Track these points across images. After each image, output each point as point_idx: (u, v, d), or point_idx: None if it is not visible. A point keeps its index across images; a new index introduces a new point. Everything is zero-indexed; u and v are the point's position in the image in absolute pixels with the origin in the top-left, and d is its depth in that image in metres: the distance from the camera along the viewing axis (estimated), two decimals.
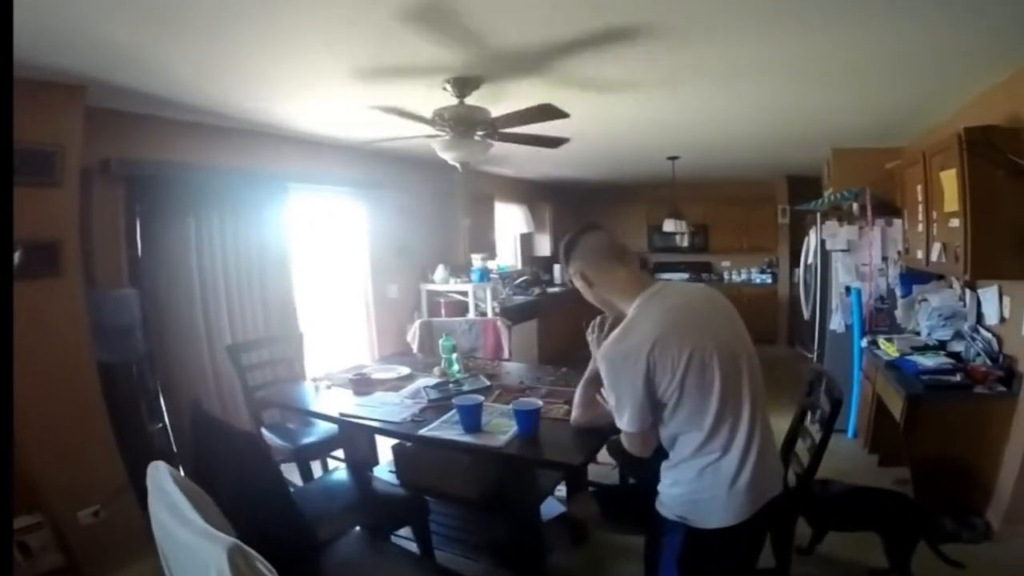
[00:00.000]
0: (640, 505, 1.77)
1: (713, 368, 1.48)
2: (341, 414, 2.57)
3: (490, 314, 5.50)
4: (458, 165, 3.16)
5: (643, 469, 1.87)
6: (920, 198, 3.51)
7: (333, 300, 4.71)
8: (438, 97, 2.88)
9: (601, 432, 2.20)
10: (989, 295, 3.17)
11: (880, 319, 4.15)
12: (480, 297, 5.57)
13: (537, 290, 6.85)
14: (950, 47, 2.53)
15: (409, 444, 2.83)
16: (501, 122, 2.92)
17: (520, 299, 6.32)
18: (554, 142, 3.21)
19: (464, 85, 2.83)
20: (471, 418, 2.31)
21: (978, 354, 3.12)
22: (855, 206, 4.31)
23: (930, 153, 3.32)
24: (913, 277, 3.97)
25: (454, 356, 3.21)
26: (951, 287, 3.64)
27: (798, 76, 2.96)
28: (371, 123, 3.48)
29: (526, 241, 7.37)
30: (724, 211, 7.70)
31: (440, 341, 3.36)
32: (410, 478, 2.76)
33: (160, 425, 3.23)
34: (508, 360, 4.03)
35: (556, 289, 7.14)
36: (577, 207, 8.09)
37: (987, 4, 2.07)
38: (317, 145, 4.34)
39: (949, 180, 3.01)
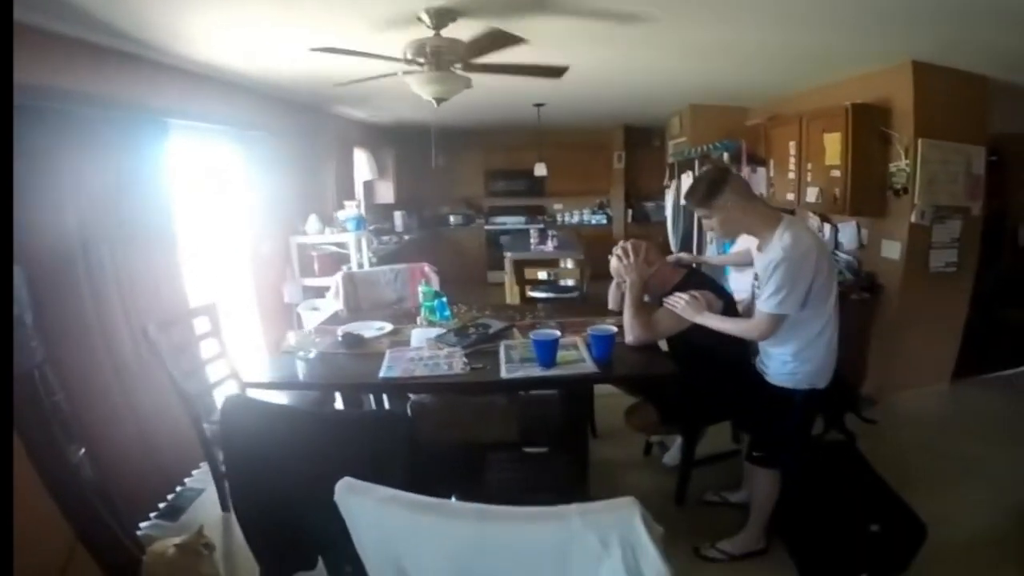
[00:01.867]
0: (696, 402, 2.70)
1: (834, 272, 2.26)
2: (383, 379, 2.44)
3: (367, 264, 5.41)
4: (435, 101, 3.16)
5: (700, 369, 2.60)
6: (793, 152, 4.57)
7: (213, 260, 4.19)
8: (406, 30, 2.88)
9: (654, 346, 2.65)
10: (848, 228, 4.32)
11: None
12: (347, 246, 5.40)
13: (395, 238, 6.83)
14: (805, 46, 3.47)
15: (427, 398, 2.90)
16: (467, 52, 3.00)
17: (389, 248, 6.26)
18: (554, 71, 3.26)
19: (443, 16, 2.83)
20: (550, 353, 2.46)
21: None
22: (725, 155, 5.30)
23: (808, 118, 4.36)
24: None
25: (444, 300, 3.28)
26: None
27: (679, 50, 3.62)
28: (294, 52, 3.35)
29: (368, 188, 7.19)
30: (562, 156, 8.28)
31: (420, 289, 3.37)
32: (441, 433, 2.76)
33: (83, 450, 2.51)
34: None
35: (409, 236, 7.20)
36: (419, 152, 8.03)
37: (851, 20, 2.95)
38: (200, 78, 3.75)
39: (832, 141, 4.04)
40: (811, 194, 4.38)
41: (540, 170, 6.96)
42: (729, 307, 2.69)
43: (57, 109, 2.60)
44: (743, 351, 2.68)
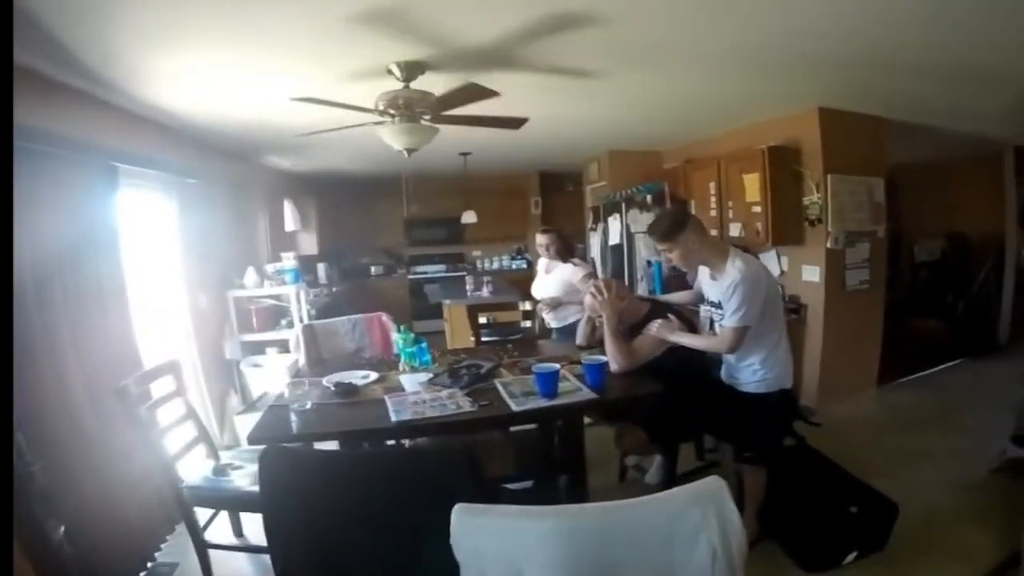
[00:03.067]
0: (678, 418, 2.94)
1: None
2: (398, 423, 2.42)
3: (305, 318, 5.26)
4: (405, 152, 3.27)
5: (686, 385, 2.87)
6: (713, 192, 5.04)
7: (156, 316, 3.94)
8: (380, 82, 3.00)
9: (637, 371, 2.86)
10: (769, 256, 4.79)
11: (675, 283, 5.61)
12: (286, 299, 5.25)
13: (324, 290, 6.67)
14: (729, 94, 3.93)
15: (424, 441, 2.90)
16: (439, 105, 3.17)
17: (322, 300, 6.11)
18: (514, 122, 3.46)
19: (413, 69, 2.99)
20: (552, 384, 2.60)
21: None
22: (648, 197, 5.71)
23: (726, 161, 4.87)
24: None
25: (424, 346, 3.30)
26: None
27: (616, 100, 3.98)
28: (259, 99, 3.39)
29: (291, 239, 7.00)
30: (481, 203, 8.28)
31: (397, 337, 3.37)
32: None
33: (63, 528, 2.34)
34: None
35: (335, 288, 7.06)
36: (340, 202, 7.97)
37: (768, 71, 3.41)
38: (144, 121, 3.64)
39: (752, 180, 4.52)
40: (734, 229, 4.84)
41: (469, 217, 7.11)
42: (692, 330, 3.04)
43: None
44: (709, 368, 3.04)
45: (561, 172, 8.78)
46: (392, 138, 3.14)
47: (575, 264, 4.17)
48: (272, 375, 4.67)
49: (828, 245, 4.37)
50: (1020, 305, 6.44)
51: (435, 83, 3.03)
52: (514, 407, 2.54)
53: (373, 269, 8.79)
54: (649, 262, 5.69)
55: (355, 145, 5.16)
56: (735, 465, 2.94)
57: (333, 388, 2.83)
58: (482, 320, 4.87)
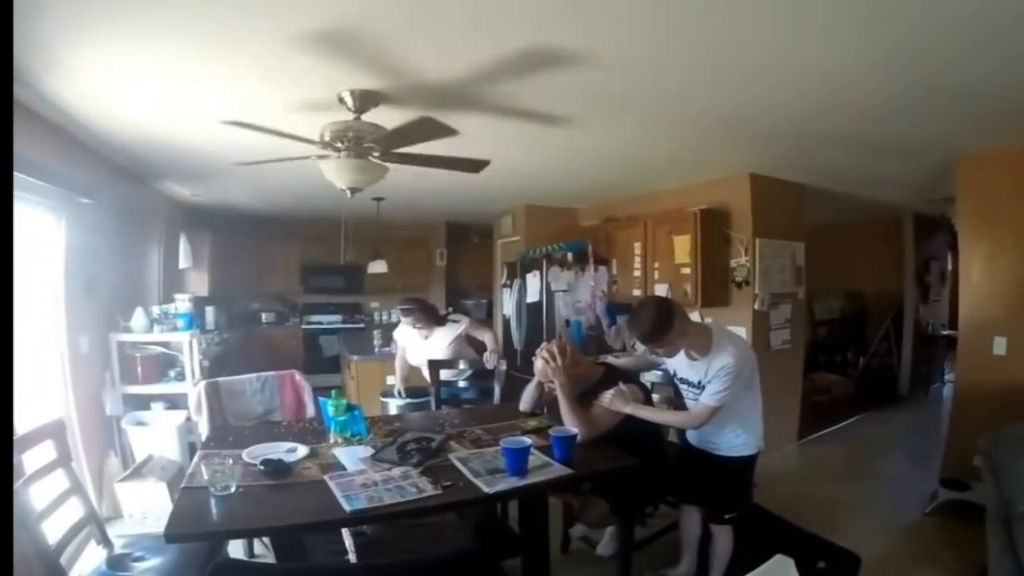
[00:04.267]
0: (651, 487, 2.90)
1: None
2: (354, 512, 2.03)
3: (197, 370, 4.62)
4: (348, 191, 2.96)
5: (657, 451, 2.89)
6: (638, 252, 5.05)
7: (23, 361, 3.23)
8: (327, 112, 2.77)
9: (601, 440, 2.70)
10: (693, 317, 4.81)
11: (592, 343, 5.55)
12: (176, 347, 4.60)
13: (216, 337, 5.95)
14: (669, 153, 4.01)
15: (367, 529, 2.51)
16: (414, 157, 2.95)
17: (213, 349, 5.42)
18: (474, 165, 3.22)
19: (367, 100, 2.75)
20: (522, 461, 2.35)
21: None
22: (570, 255, 5.64)
23: (654, 221, 4.91)
24: (616, 309, 5.54)
25: (358, 414, 2.90)
26: None
27: (540, 150, 3.92)
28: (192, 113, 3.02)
29: (182, 279, 6.24)
30: (383, 252, 8.06)
31: (328, 402, 2.92)
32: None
33: None
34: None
35: (227, 335, 6.36)
36: (233, 240, 7.23)
37: (709, 134, 3.53)
38: (43, 123, 3.09)
39: (682, 242, 4.59)
40: (660, 290, 4.88)
41: (378, 267, 6.67)
42: (648, 397, 2.95)
43: None
44: (662, 432, 2.99)
45: (468, 223, 8.58)
46: (336, 174, 2.84)
47: (454, 320, 4.18)
48: (159, 435, 4.05)
49: (755, 307, 4.49)
50: (918, 358, 7.06)
51: (389, 118, 2.77)
52: (485, 488, 2.23)
53: (264, 316, 8.02)
54: (568, 321, 5.60)
55: (272, 179, 4.72)
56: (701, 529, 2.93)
57: (260, 466, 2.37)
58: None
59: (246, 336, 7.35)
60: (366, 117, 2.75)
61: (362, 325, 8.32)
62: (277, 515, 2.08)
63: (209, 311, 6.43)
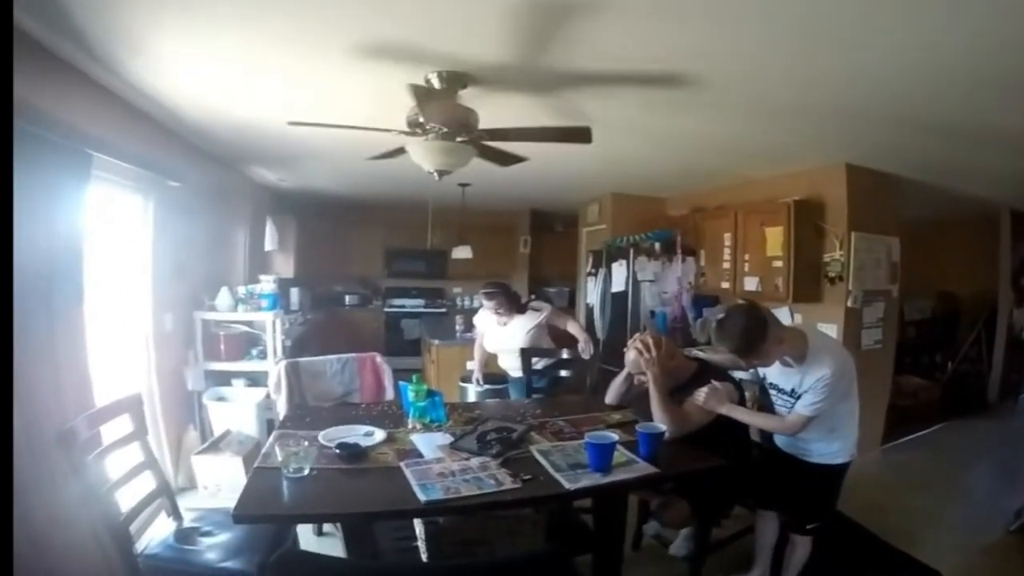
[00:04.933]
0: (736, 490, 2.69)
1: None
2: (428, 503, 1.87)
3: (279, 349, 4.60)
4: (435, 174, 2.78)
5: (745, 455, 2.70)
6: (728, 243, 4.69)
7: (110, 336, 3.25)
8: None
9: (690, 439, 2.48)
10: (782, 312, 4.43)
11: (679, 334, 5.22)
12: (260, 327, 4.58)
13: (299, 318, 5.98)
14: (760, 142, 3.67)
15: (440, 518, 2.34)
16: (505, 133, 2.73)
17: (295, 329, 5.43)
18: (579, 134, 2.83)
19: (454, 81, 2.55)
20: (608, 458, 2.16)
21: None
22: (657, 244, 5.32)
23: (744, 212, 4.55)
24: (702, 301, 5.21)
25: (438, 400, 2.75)
26: None
27: (617, 134, 3.52)
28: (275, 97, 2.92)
29: (267, 260, 6.33)
30: (468, 238, 7.90)
31: (408, 386, 2.77)
32: (467, 553, 2.26)
33: None
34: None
35: (310, 316, 6.39)
36: (318, 224, 7.29)
37: (802, 123, 3.20)
38: (134, 110, 3.06)
39: (774, 234, 4.20)
40: (750, 283, 4.52)
41: (463, 252, 6.53)
42: (742, 397, 2.69)
43: None
44: (748, 433, 2.74)
45: (552, 211, 8.32)
46: (423, 157, 2.67)
47: (535, 308, 3.93)
48: (238, 411, 4.04)
49: (848, 304, 4.07)
50: (1010, 365, 6.36)
51: (474, 99, 2.62)
52: (566, 484, 2.04)
53: (347, 299, 8.04)
54: (653, 312, 5.29)
55: (356, 164, 4.64)
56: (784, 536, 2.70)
57: (336, 450, 2.24)
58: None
59: (329, 318, 7.38)
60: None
61: (444, 310, 8.20)
62: (348, 501, 1.97)
63: (294, 292, 6.48)
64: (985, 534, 3.39)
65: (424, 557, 2.30)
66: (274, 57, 2.43)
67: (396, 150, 2.98)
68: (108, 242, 3.20)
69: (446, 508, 1.93)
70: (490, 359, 4.23)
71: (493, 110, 2.70)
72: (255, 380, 4.36)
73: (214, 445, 3.63)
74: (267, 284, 4.64)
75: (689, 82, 2.55)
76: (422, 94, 2.38)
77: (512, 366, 3.92)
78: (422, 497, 1.90)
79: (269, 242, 5.94)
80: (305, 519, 2.04)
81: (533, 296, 8.21)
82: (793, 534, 2.63)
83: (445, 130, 2.58)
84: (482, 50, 2.29)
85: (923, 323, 6.68)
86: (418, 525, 2.44)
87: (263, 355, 4.46)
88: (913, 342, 6.35)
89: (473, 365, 4.36)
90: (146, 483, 2.29)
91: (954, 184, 4.68)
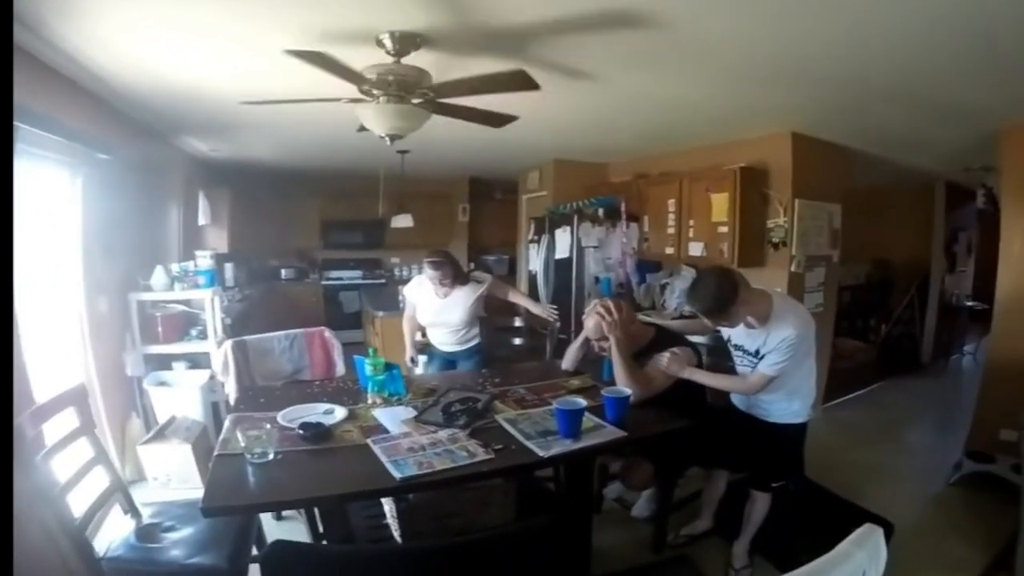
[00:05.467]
0: (698, 451, 2.81)
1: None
2: (404, 479, 1.87)
3: (219, 328, 4.44)
4: (387, 138, 2.72)
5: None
6: (672, 209, 4.80)
7: (42, 325, 3.04)
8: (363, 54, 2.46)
9: (655, 401, 2.58)
10: None
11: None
12: (198, 305, 4.40)
13: (237, 294, 5.77)
14: (716, 105, 3.65)
15: (411, 496, 2.34)
16: (449, 88, 2.67)
17: (235, 307, 5.24)
18: (498, 120, 3.00)
19: (406, 42, 2.49)
20: (577, 423, 2.22)
21: None
22: (600, 210, 5.38)
23: (690, 178, 4.67)
24: (646, 267, 5.35)
25: (397, 372, 2.73)
26: (682, 273, 5.02)
27: (559, 100, 3.49)
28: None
29: (201, 236, 6.02)
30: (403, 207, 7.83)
31: (365, 360, 2.74)
32: (440, 527, 2.26)
33: None
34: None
35: (247, 292, 6.19)
36: (252, 197, 6.97)
37: (751, 87, 3.23)
38: (58, 76, 2.83)
39: (720, 200, 4.33)
40: (695, 248, 4.65)
41: (404, 221, 6.39)
42: (700, 361, 2.80)
43: None
44: (705, 395, 2.83)
45: (491, 179, 8.26)
46: (375, 120, 2.60)
47: (478, 280, 3.68)
48: (181, 396, 3.89)
49: (792, 268, 4.26)
50: (940, 328, 6.87)
51: (427, 62, 2.55)
52: (540, 452, 2.09)
53: (284, 273, 7.79)
54: (597, 278, 5.37)
55: (294, 132, 4.47)
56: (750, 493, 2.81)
57: (299, 431, 2.19)
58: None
59: (266, 293, 7.15)
60: (406, 60, 2.49)
61: (383, 281, 8.11)
62: (321, 484, 1.92)
63: (228, 268, 6.25)
64: (928, 486, 3.67)
65: (396, 535, 2.31)
66: (218, 19, 2.29)
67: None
68: (39, 222, 3.00)
69: (422, 483, 1.93)
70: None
71: (449, 73, 2.65)
72: (196, 362, 4.21)
73: (160, 433, 3.48)
74: (204, 260, 4.44)
75: (636, 22, 2.40)
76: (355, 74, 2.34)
77: (445, 341, 3.74)
78: (396, 474, 1.90)
79: (203, 216, 5.67)
80: (279, 506, 1.99)
81: (473, 265, 8.22)
82: (755, 490, 2.76)
83: (395, 93, 2.52)
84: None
85: (858, 288, 7.07)
86: (387, 503, 2.44)
87: (203, 335, 4.29)
88: (849, 306, 6.72)
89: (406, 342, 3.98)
90: (98, 480, 2.18)
91: (896, 155, 4.92)
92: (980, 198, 5.60)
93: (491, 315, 3.76)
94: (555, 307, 3.73)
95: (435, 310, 3.65)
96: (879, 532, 1.21)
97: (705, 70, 2.95)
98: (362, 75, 2.45)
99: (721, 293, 2.38)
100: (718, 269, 2.60)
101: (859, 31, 2.36)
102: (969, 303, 7.10)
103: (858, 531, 1.21)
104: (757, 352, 2.50)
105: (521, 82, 2.39)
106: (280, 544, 1.23)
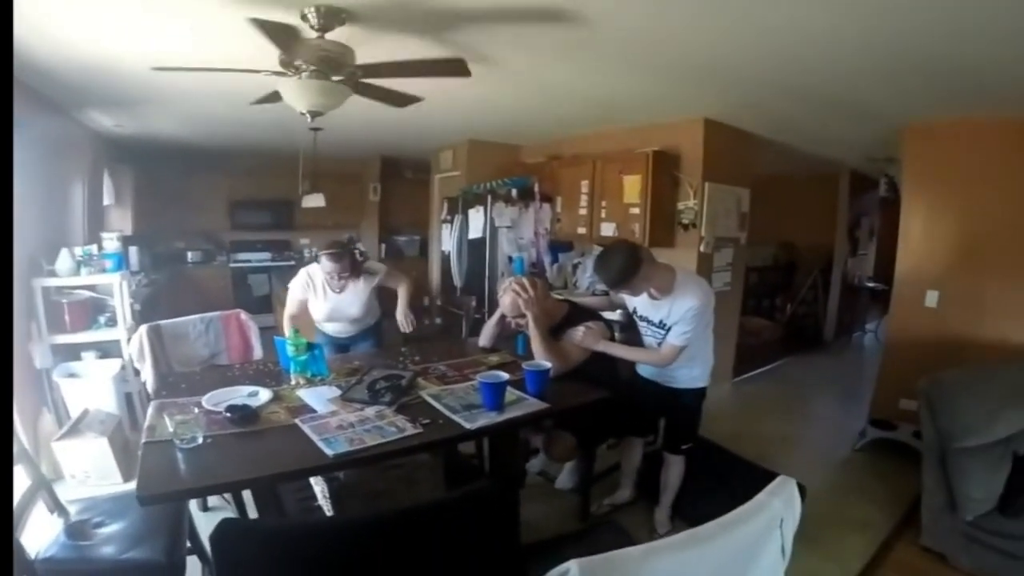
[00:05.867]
0: (614, 420, 2.98)
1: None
2: (337, 456, 1.95)
3: (128, 314, 4.29)
4: (308, 115, 2.74)
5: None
6: (585, 191, 5.02)
7: None
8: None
9: (572, 374, 2.75)
10: None
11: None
12: (105, 291, 4.22)
13: (144, 278, 5.54)
14: (624, 92, 3.85)
15: (341, 474, 2.43)
16: (381, 69, 2.73)
17: (143, 291, 5.05)
18: (404, 100, 3.07)
19: (331, 17, 2.52)
20: (500, 396, 2.34)
21: None
22: (514, 191, 5.53)
23: (603, 161, 4.89)
24: (558, 247, 5.57)
25: (319, 353, 2.77)
26: (594, 253, 5.24)
27: (494, 83, 3.60)
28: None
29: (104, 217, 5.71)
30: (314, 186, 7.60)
31: (286, 341, 2.74)
32: (374, 506, 2.36)
33: None
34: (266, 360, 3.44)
35: (153, 276, 5.98)
36: (156, 175, 6.66)
37: (663, 77, 3.45)
38: None
39: (632, 182, 4.57)
40: (607, 229, 4.89)
41: (315, 201, 6.29)
42: (612, 335, 2.99)
43: None
44: (619, 367, 3.00)
45: (403, 158, 8.23)
46: (297, 96, 2.59)
47: (371, 271, 3.59)
48: (93, 387, 3.77)
49: (701, 249, 4.56)
50: (843, 307, 7.48)
51: (351, 36, 2.61)
52: (466, 425, 2.22)
53: (190, 255, 7.49)
54: (510, 258, 5.55)
55: (203, 106, 4.33)
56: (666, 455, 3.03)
57: (226, 414, 2.22)
58: None
59: (174, 277, 6.89)
60: (330, 36, 2.51)
61: (292, 263, 7.87)
62: (254, 465, 1.95)
63: (133, 251, 6.02)
64: (834, 453, 4.03)
65: (329, 514, 2.38)
66: None
67: (273, 94, 2.85)
68: None
69: (355, 460, 2.01)
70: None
71: (370, 50, 2.68)
72: (106, 351, 4.07)
73: (74, 428, 3.36)
74: (110, 242, 4.28)
75: (563, 18, 2.57)
76: (292, 32, 2.31)
77: (341, 331, 3.65)
78: (328, 452, 1.97)
79: (107, 196, 5.41)
80: (217, 490, 2.00)
81: (364, 255, 8.18)
82: (668, 455, 2.99)
83: (319, 69, 2.53)
84: None
85: (765, 269, 7.62)
86: (318, 483, 2.51)
87: (112, 322, 4.14)
88: (756, 287, 7.23)
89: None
90: (19, 479, 2.08)
91: (803, 144, 5.33)
92: (883, 186, 6.13)
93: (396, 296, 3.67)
94: (413, 319, 3.56)
95: (331, 306, 3.48)
96: (793, 483, 1.34)
97: (622, 63, 3.12)
98: (296, 50, 2.44)
99: (625, 266, 2.57)
100: (624, 244, 2.77)
101: (771, 36, 2.59)
102: (870, 284, 7.75)
103: (773, 482, 1.34)
104: (661, 323, 2.71)
105: (456, 69, 2.48)
106: (228, 522, 1.29)
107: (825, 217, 7.32)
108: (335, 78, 2.62)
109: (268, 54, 2.44)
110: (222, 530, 1.23)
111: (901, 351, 4.12)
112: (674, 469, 2.98)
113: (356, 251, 3.63)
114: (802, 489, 2.85)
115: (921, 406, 2.85)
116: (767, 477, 2.88)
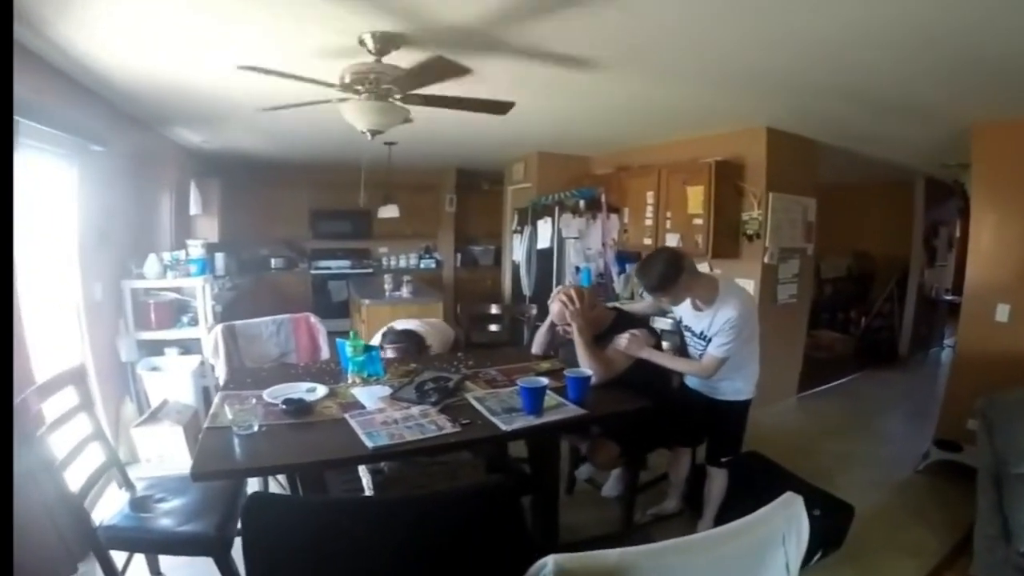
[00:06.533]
0: (659, 430, 2.94)
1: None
2: (376, 448, 2.08)
3: (209, 315, 4.65)
4: (368, 134, 2.92)
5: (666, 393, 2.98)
6: (651, 201, 5.01)
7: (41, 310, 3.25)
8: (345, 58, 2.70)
9: (617, 383, 2.76)
10: (702, 268, 4.81)
11: (600, 289, 5.56)
12: (189, 293, 4.61)
13: (228, 283, 5.98)
14: (677, 105, 3.90)
15: (387, 465, 2.57)
16: (430, 100, 2.89)
17: (225, 295, 5.45)
18: (500, 107, 3.11)
19: (387, 42, 2.69)
20: (539, 401, 2.40)
21: None
22: (582, 202, 5.60)
23: (668, 171, 4.87)
24: (625, 257, 5.55)
25: (375, 355, 2.93)
26: None
27: (543, 94, 3.70)
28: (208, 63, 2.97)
29: (192, 225, 6.23)
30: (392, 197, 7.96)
31: (346, 343, 2.94)
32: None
33: None
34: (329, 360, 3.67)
35: (237, 281, 6.42)
36: (242, 186, 7.20)
37: (725, 86, 3.44)
38: (56, 72, 3.06)
39: (695, 193, 4.53)
40: (671, 240, 4.87)
41: (390, 212, 6.63)
42: (658, 343, 2.99)
43: None
44: (669, 377, 3.03)
45: (478, 170, 8.46)
46: (357, 116, 2.81)
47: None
48: (173, 380, 4.11)
49: (765, 260, 4.48)
50: (920, 321, 7.11)
51: (410, 60, 2.70)
52: (502, 426, 2.30)
53: (273, 262, 8.03)
54: (577, 268, 5.60)
55: (283, 124, 4.66)
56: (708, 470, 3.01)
57: (282, 406, 2.41)
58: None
59: (256, 282, 7.39)
60: (387, 60, 2.70)
61: (371, 270, 8.32)
62: (300, 452, 2.11)
63: (219, 257, 6.44)
64: (895, 474, 3.85)
65: None
66: (219, 24, 2.51)
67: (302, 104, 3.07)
68: (39, 211, 3.19)
69: (392, 453, 2.13)
70: None
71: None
72: (188, 348, 4.43)
73: (153, 416, 3.71)
74: (195, 249, 4.66)
75: (610, 43, 2.73)
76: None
77: None
78: (369, 444, 2.10)
79: (194, 206, 5.86)
80: (260, 472, 2.18)
81: (460, 256, 8.51)
82: (710, 467, 2.97)
83: (376, 90, 2.71)
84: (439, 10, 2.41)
85: (839, 281, 7.33)
86: (364, 475, 2.65)
87: (194, 322, 4.52)
88: (829, 299, 6.97)
89: None
90: (95, 456, 2.37)
91: (873, 151, 5.14)
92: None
93: (469, 303, 3.92)
94: None
95: None
96: (799, 500, 1.30)
97: (683, 75, 3.19)
98: (323, 80, 2.66)
99: (666, 272, 2.61)
100: (667, 251, 2.82)
101: (828, 44, 2.61)
102: (948, 297, 7.31)
103: (780, 499, 1.30)
104: (702, 334, 2.72)
105: (499, 108, 2.61)
106: (257, 495, 1.44)
107: (901, 226, 7.00)
108: (393, 99, 2.80)
109: (329, 77, 2.67)
110: (252, 501, 1.38)
111: (970, 368, 3.87)
112: (716, 482, 2.97)
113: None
114: (849, 510, 2.87)
115: (979, 426, 2.72)
116: (819, 496, 2.89)
